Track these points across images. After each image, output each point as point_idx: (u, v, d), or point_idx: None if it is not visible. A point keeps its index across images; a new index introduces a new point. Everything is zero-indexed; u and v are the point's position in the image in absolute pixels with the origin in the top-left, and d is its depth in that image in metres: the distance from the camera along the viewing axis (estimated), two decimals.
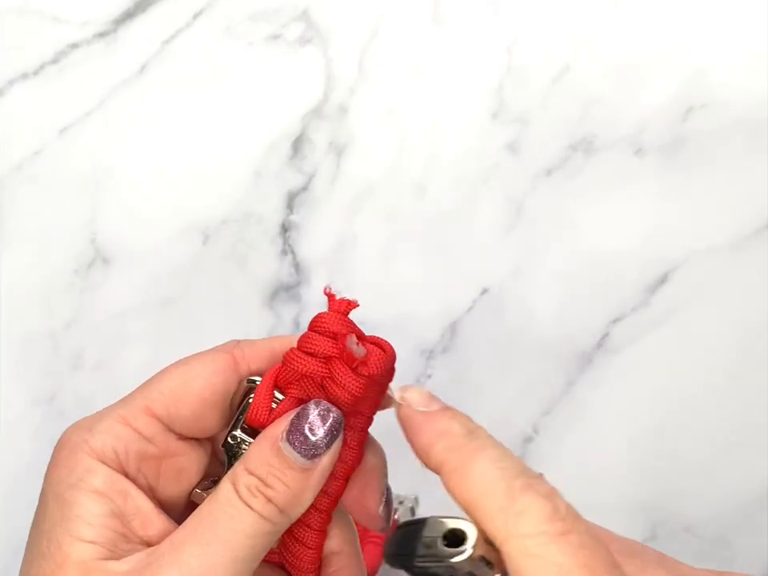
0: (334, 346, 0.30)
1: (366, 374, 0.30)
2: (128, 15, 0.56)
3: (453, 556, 0.29)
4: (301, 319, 0.59)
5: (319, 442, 0.29)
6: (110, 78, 0.56)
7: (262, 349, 0.33)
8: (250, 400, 0.31)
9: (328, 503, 0.31)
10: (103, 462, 0.29)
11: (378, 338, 0.32)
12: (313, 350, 0.30)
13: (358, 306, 0.31)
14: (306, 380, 0.31)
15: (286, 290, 0.59)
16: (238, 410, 0.32)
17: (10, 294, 0.57)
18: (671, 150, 0.57)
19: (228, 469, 0.31)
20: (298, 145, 0.57)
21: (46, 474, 0.30)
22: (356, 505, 0.32)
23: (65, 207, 0.57)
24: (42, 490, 0.30)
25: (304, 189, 0.58)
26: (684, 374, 0.59)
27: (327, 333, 0.31)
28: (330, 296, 0.32)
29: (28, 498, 0.58)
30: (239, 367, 0.32)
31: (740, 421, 0.59)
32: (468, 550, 0.29)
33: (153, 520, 0.29)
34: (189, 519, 0.29)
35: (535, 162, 0.57)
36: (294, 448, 0.29)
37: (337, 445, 0.30)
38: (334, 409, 0.30)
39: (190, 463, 0.32)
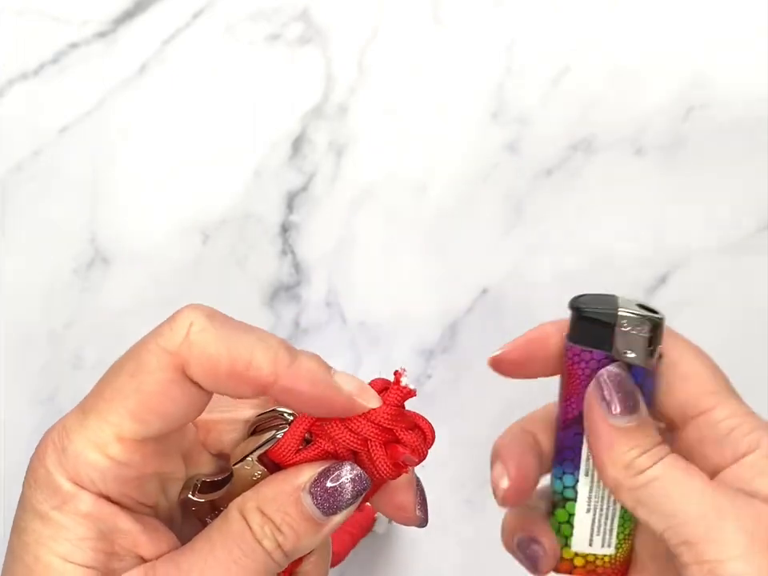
0: (379, 433, 0.30)
1: (403, 464, 0.30)
2: (128, 15, 0.56)
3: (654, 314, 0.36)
4: (301, 319, 0.59)
5: (342, 504, 0.29)
6: (109, 78, 0.56)
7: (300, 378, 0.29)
8: (278, 435, 0.30)
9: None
10: (83, 488, 0.28)
11: (420, 417, 0.31)
12: (357, 431, 0.30)
13: (414, 396, 0.31)
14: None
15: (285, 290, 0.59)
16: (253, 431, 0.31)
17: (9, 294, 0.57)
18: (671, 149, 0.57)
19: (229, 485, 0.31)
20: (297, 145, 0.57)
21: (26, 484, 0.29)
22: (391, 508, 0.32)
23: (64, 207, 0.57)
24: (25, 499, 0.29)
25: (304, 189, 0.58)
26: None
27: (376, 423, 0.30)
28: (396, 381, 0.30)
29: None
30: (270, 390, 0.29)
31: None
32: (661, 315, 0.36)
33: (143, 539, 0.29)
34: (196, 545, 0.29)
35: (535, 162, 0.57)
36: (314, 502, 0.28)
37: (354, 507, 0.29)
38: (366, 478, 0.29)
39: (175, 471, 0.31)
